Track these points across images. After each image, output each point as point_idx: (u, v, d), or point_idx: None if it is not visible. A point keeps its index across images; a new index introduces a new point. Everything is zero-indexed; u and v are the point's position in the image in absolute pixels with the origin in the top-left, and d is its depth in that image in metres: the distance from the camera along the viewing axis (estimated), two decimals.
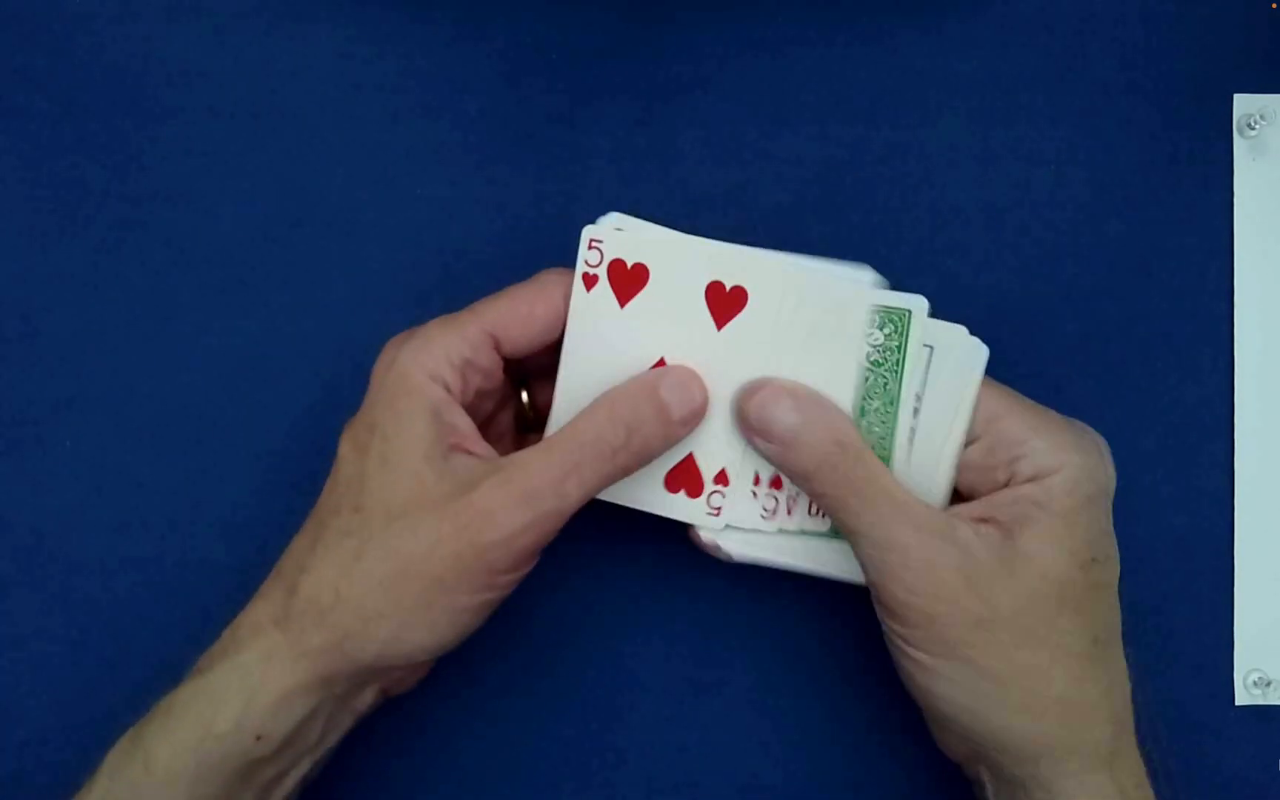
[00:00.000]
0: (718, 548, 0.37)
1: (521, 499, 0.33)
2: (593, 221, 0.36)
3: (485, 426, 0.37)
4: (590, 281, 0.35)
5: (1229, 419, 0.41)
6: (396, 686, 0.36)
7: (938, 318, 0.35)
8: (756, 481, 0.36)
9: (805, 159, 0.41)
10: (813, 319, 0.35)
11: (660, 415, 0.35)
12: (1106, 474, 0.35)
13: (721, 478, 0.36)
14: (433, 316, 0.35)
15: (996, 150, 0.41)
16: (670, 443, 0.35)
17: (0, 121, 0.41)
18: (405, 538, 0.33)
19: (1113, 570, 0.35)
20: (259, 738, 0.33)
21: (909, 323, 0.35)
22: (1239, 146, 0.41)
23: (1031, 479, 0.34)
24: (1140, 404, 0.41)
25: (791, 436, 0.35)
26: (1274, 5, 0.42)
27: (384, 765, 0.41)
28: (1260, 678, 0.41)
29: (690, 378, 0.35)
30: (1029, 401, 0.36)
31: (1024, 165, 0.41)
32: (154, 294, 0.41)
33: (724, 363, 0.36)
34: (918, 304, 0.35)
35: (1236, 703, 0.41)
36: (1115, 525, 0.35)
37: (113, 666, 0.40)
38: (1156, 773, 0.35)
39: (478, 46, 0.41)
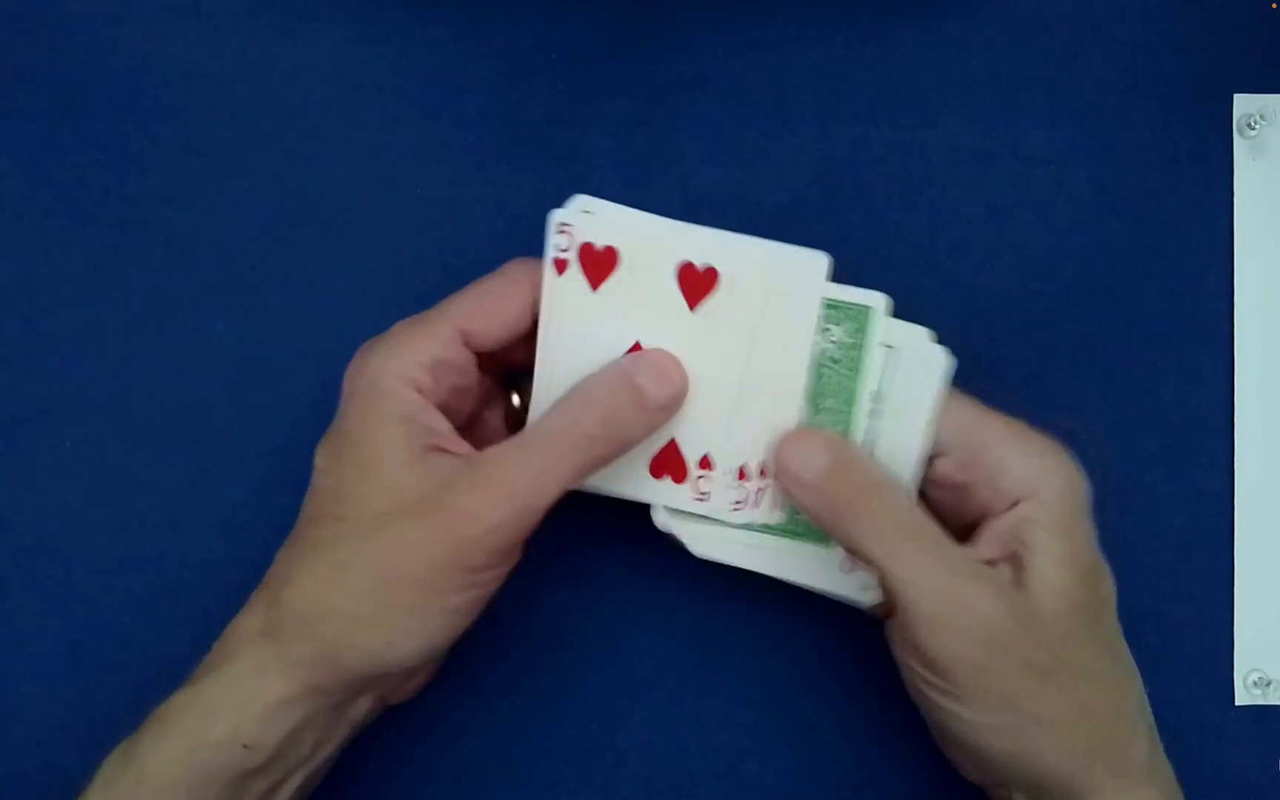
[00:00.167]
0: (674, 538, 0.37)
1: (500, 496, 0.32)
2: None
3: (472, 426, 0.37)
4: (561, 266, 0.35)
5: (1229, 419, 0.41)
6: (394, 695, 0.36)
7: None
8: (742, 476, 0.36)
9: (805, 159, 0.41)
10: (775, 304, 0.35)
11: (638, 402, 0.34)
12: (1085, 482, 0.34)
13: (705, 463, 0.36)
14: None
15: (996, 150, 0.41)
16: (650, 429, 0.35)
17: (0, 121, 0.41)
18: (386, 544, 0.33)
19: (1111, 583, 0.35)
20: (248, 746, 0.33)
21: (868, 320, 0.35)
22: (1239, 146, 0.41)
23: (1020, 499, 0.34)
24: (1140, 404, 0.41)
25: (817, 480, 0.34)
26: (1274, 5, 0.42)
27: (384, 765, 0.41)
28: (1260, 678, 0.41)
29: (667, 361, 0.35)
30: (998, 412, 0.35)
31: (1024, 165, 0.41)
32: (154, 294, 0.41)
33: (701, 344, 0.35)
34: (877, 300, 0.35)
35: (1236, 703, 0.41)
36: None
37: (113, 666, 0.40)
38: None
39: (478, 46, 0.41)
